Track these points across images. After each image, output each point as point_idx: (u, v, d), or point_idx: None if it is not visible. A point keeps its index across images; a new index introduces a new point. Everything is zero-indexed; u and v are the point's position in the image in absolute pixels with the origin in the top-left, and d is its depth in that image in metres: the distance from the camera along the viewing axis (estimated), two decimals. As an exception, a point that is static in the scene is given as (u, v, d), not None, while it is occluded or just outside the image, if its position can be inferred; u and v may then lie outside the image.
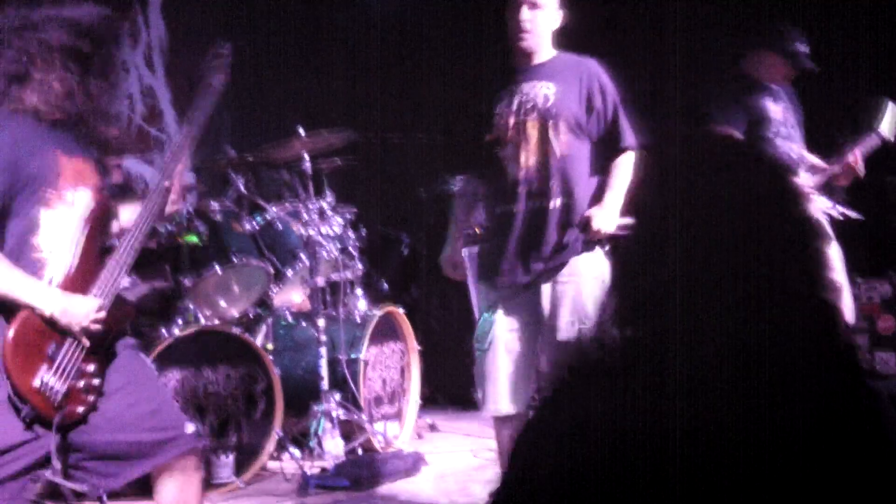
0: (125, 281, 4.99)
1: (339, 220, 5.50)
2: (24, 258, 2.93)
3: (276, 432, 4.92)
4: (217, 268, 5.05)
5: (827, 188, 5.18)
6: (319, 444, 5.03)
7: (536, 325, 3.93)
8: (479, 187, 4.22)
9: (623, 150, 3.99)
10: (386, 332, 5.64)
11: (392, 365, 5.67)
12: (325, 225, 5.37)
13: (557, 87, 3.95)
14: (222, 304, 5.31)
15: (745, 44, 5.32)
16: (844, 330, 1.51)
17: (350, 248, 5.57)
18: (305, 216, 5.30)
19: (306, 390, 5.24)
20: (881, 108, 5.19)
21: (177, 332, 4.67)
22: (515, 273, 3.94)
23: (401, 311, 5.70)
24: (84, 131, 3.16)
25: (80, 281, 2.97)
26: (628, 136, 4.01)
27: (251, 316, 5.46)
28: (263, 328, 5.50)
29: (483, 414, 4.12)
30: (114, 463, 2.98)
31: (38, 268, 2.94)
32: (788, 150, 5.11)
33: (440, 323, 6.88)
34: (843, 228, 5.32)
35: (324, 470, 4.89)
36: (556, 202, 3.90)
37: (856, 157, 5.09)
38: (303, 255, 5.36)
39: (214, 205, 5.22)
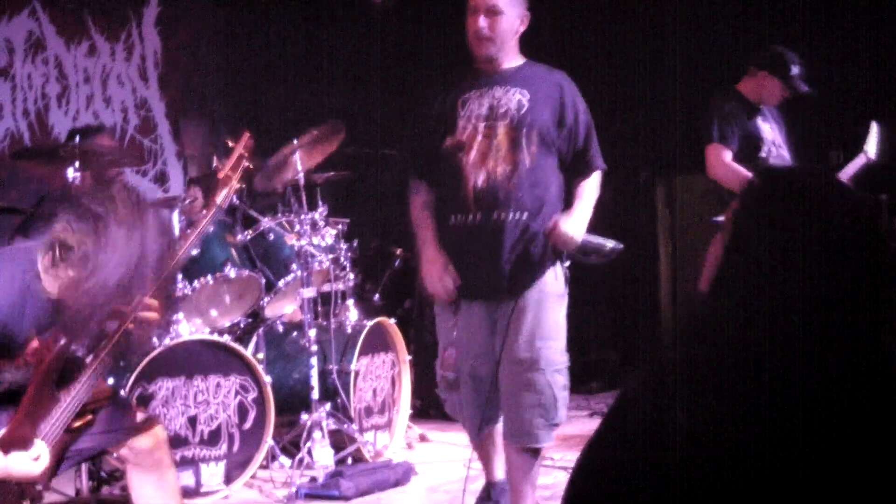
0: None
1: (332, 231, 5.52)
2: None
3: (267, 442, 4.93)
4: (209, 278, 5.07)
5: None
6: (310, 453, 5.04)
7: (493, 344, 3.80)
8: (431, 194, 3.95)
9: (592, 171, 3.91)
10: (377, 342, 5.65)
11: (383, 375, 5.69)
12: (318, 236, 5.40)
13: (531, 96, 3.80)
14: (214, 314, 5.33)
15: (742, 64, 5.41)
16: None
17: (342, 260, 5.60)
18: (298, 227, 5.32)
19: (297, 400, 5.26)
20: (869, 129, 5.41)
21: (168, 341, 4.69)
22: (476, 288, 3.80)
23: (391, 321, 5.72)
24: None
25: (25, 428, 2.86)
26: (598, 158, 3.92)
27: (242, 326, 5.48)
28: (255, 338, 5.52)
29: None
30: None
31: None
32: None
33: (434, 336, 6.87)
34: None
35: (314, 480, 4.89)
36: (519, 215, 3.73)
37: (848, 177, 5.29)
38: (295, 266, 5.38)
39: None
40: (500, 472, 4.11)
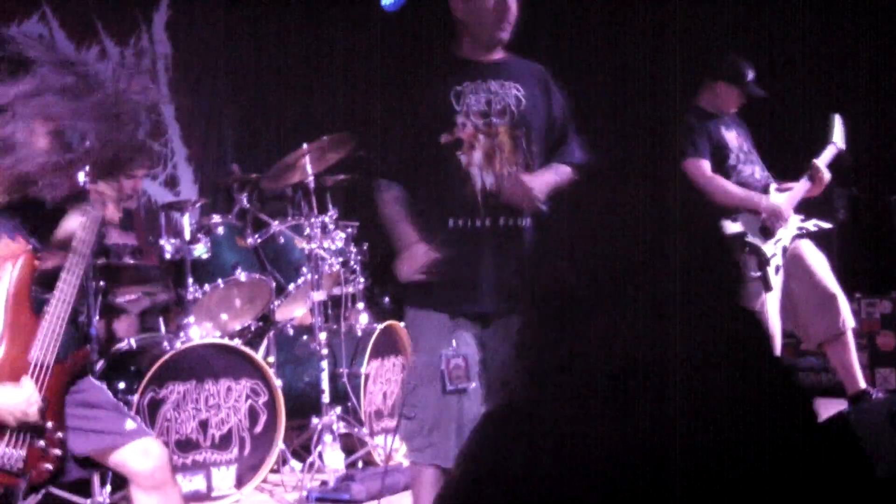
0: (128, 296, 5.05)
1: (342, 234, 5.53)
2: None
3: (278, 446, 4.94)
4: (220, 282, 5.08)
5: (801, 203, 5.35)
6: (320, 457, 5.04)
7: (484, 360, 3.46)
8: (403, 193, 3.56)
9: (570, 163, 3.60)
10: (387, 345, 5.66)
11: (393, 378, 5.69)
12: (328, 239, 5.40)
13: (525, 91, 3.55)
14: (225, 317, 5.34)
15: (698, 75, 5.45)
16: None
17: (352, 263, 5.61)
18: (308, 231, 5.32)
19: (307, 404, 5.26)
20: (832, 122, 5.46)
21: (179, 345, 4.70)
22: (483, 300, 3.44)
23: (402, 325, 5.72)
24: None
25: (14, 354, 2.88)
26: (578, 151, 3.61)
27: (253, 329, 5.49)
28: (265, 342, 5.52)
29: (414, 458, 3.53)
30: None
31: None
32: (752, 173, 5.27)
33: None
34: (844, 246, 5.43)
35: (324, 483, 4.89)
36: (527, 221, 3.47)
37: (821, 169, 5.34)
38: (305, 270, 5.38)
39: (217, 219, 5.25)
40: None
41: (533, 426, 1.44)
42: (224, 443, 4.81)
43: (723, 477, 1.37)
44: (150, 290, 5.23)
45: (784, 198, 5.30)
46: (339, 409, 5.21)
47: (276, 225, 5.45)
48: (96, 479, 4.11)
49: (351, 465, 5.15)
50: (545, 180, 3.44)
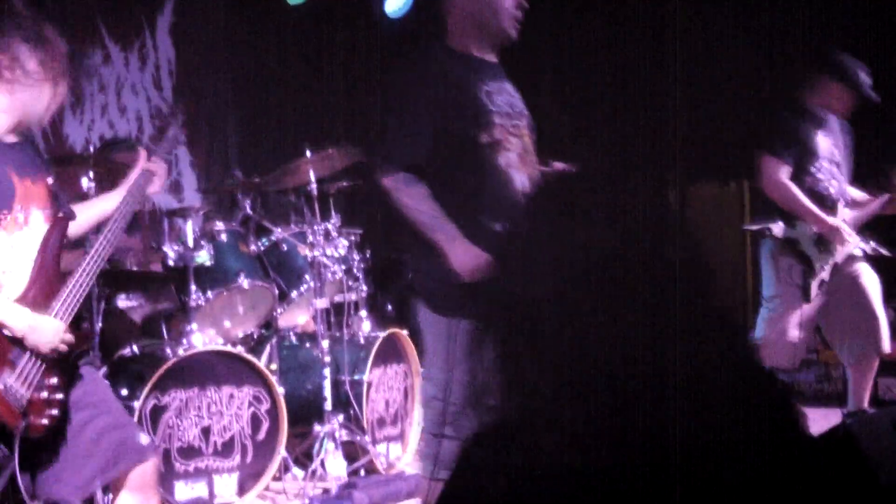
0: (131, 302, 5.05)
1: (345, 241, 5.53)
2: None
3: (280, 453, 4.93)
4: (223, 288, 5.08)
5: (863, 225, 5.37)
6: (322, 465, 5.04)
7: None
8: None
9: None
10: (389, 353, 5.65)
11: (395, 386, 5.68)
12: (331, 247, 5.40)
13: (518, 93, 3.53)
14: (227, 324, 5.33)
15: (807, 72, 5.41)
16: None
17: (355, 270, 5.60)
18: (311, 238, 5.32)
19: (310, 411, 5.26)
20: None
21: (181, 352, 4.69)
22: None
23: (404, 332, 5.71)
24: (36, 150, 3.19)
25: (38, 303, 2.95)
26: None
27: (256, 337, 5.49)
28: (268, 349, 5.51)
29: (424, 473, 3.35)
30: (69, 478, 3.00)
31: None
32: (828, 186, 5.24)
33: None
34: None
35: (327, 491, 4.89)
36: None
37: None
38: (308, 277, 5.38)
39: (220, 226, 5.25)
40: None
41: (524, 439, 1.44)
42: (226, 450, 4.81)
43: (723, 485, 1.37)
44: (152, 296, 5.23)
45: (851, 216, 5.31)
46: (341, 417, 5.21)
47: (279, 232, 5.45)
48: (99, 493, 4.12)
49: (353, 473, 5.14)
50: None
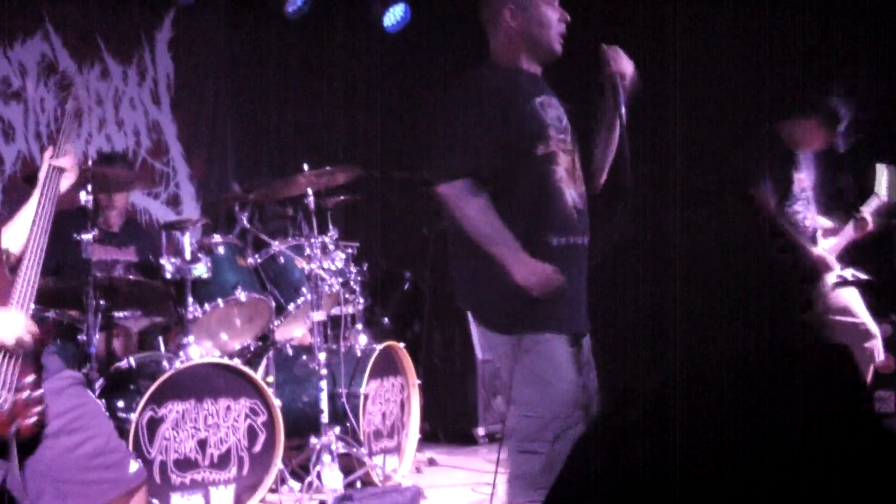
0: (128, 314, 5.05)
1: (342, 255, 5.54)
2: None
3: (276, 465, 4.94)
4: (220, 301, 5.09)
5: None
6: (319, 477, 5.04)
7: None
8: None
9: None
10: (386, 366, 5.66)
11: (392, 399, 5.69)
12: (328, 260, 5.42)
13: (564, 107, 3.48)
14: (224, 337, 5.35)
15: (788, 108, 5.49)
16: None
17: (352, 283, 5.62)
18: (308, 251, 5.34)
19: (306, 423, 5.26)
20: (880, 173, 5.55)
21: (178, 364, 4.70)
22: (578, 320, 3.35)
23: (401, 345, 5.73)
24: None
25: None
26: None
27: (253, 349, 5.50)
28: (265, 361, 5.53)
29: (538, 497, 3.09)
30: (58, 502, 2.99)
31: None
32: (805, 218, 5.35)
33: (442, 360, 6.91)
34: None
35: (323, 503, 4.90)
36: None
37: (866, 220, 5.49)
38: (305, 290, 5.40)
39: (218, 238, 5.26)
40: None
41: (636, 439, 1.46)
42: (223, 462, 4.81)
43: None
44: (150, 308, 5.24)
45: (829, 245, 5.47)
46: (337, 429, 5.21)
47: (276, 245, 5.47)
48: None
49: (349, 485, 5.14)
50: None
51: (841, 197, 5.84)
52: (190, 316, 4.96)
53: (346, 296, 5.61)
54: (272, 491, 5.01)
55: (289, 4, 7.44)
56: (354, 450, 5.23)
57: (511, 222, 3.21)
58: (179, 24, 7.40)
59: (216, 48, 7.63)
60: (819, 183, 5.54)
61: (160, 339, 5.25)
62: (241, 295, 5.14)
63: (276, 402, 4.96)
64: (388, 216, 7.78)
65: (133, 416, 4.45)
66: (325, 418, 5.17)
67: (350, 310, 5.70)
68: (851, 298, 5.52)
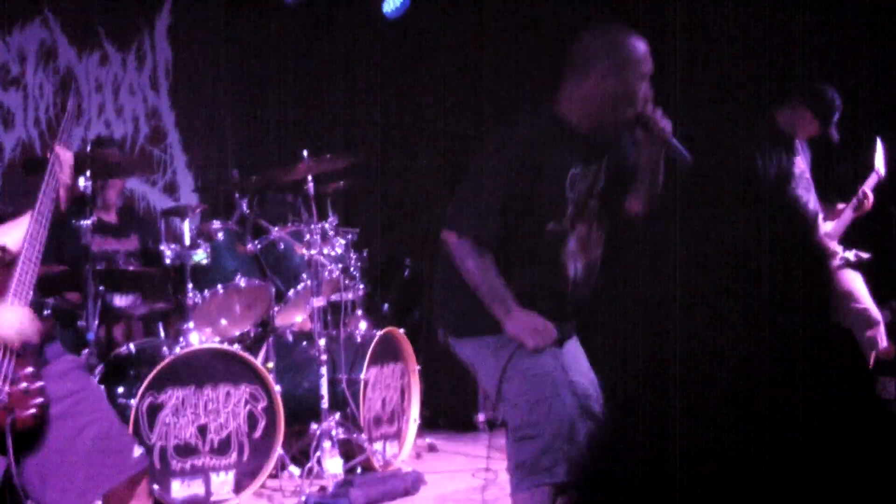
0: (127, 301, 5.05)
1: (342, 241, 5.54)
2: None
3: (277, 451, 4.94)
4: (220, 287, 5.09)
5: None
6: (319, 463, 5.06)
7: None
8: None
9: None
10: (386, 352, 5.67)
11: (392, 385, 5.70)
12: (328, 246, 5.41)
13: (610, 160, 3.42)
14: (224, 323, 5.35)
15: (782, 97, 5.50)
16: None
17: (352, 269, 5.62)
18: (308, 237, 5.34)
19: (307, 409, 5.27)
20: (874, 146, 5.61)
21: (178, 350, 4.70)
22: (567, 333, 3.44)
23: (401, 331, 5.73)
24: None
25: None
26: None
27: (253, 335, 5.50)
28: (265, 347, 5.53)
29: (542, 480, 3.17)
30: (63, 487, 2.99)
31: None
32: (807, 202, 5.37)
33: (442, 346, 6.89)
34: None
35: (323, 489, 4.90)
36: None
37: (868, 195, 5.54)
38: (305, 276, 5.39)
39: (217, 225, 5.26)
40: None
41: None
42: (223, 448, 4.82)
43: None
44: (150, 295, 5.24)
45: (831, 228, 5.52)
46: (337, 415, 5.22)
47: (276, 231, 5.46)
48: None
49: (350, 471, 5.15)
50: None
51: (838, 181, 5.84)
52: (190, 302, 4.96)
53: (346, 282, 5.61)
54: (272, 476, 5.02)
55: (288, -9, 7.42)
56: (355, 436, 5.24)
57: (508, 280, 3.23)
58: (179, 11, 7.38)
59: (215, 35, 7.61)
60: (814, 169, 5.56)
61: (160, 325, 5.26)
62: (241, 281, 5.15)
63: (277, 388, 4.96)
64: (387, 202, 7.78)
65: (133, 402, 4.45)
66: (325, 404, 5.17)
67: (350, 296, 5.70)
68: (856, 282, 5.56)
